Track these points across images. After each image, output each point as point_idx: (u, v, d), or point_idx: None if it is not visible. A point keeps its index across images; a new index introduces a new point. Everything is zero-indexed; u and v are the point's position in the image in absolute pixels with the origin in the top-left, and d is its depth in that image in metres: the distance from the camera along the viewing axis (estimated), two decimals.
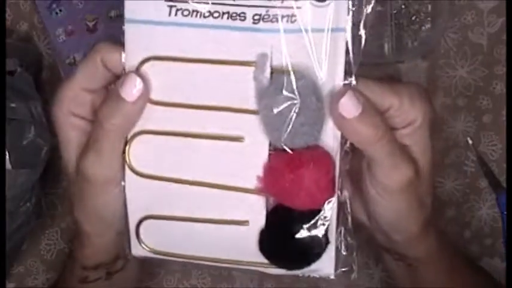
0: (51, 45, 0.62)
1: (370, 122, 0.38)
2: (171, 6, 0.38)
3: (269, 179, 0.40)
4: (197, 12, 0.38)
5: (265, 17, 0.38)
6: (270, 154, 0.40)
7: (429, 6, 0.62)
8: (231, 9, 0.38)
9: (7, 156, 0.52)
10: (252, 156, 0.40)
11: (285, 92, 0.37)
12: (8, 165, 0.52)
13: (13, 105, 0.52)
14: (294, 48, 0.38)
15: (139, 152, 0.41)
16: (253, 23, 0.38)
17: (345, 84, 0.38)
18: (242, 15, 0.38)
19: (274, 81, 0.38)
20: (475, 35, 0.63)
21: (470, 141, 0.64)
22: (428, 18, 0.62)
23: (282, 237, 0.41)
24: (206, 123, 0.40)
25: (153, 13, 0.38)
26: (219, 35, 0.38)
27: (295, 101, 0.37)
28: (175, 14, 0.38)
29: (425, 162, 0.42)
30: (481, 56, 0.63)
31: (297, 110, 0.37)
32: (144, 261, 0.54)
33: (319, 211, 0.40)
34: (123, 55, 0.39)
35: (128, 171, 0.41)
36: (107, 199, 0.42)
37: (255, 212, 0.41)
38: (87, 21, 0.62)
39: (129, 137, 0.40)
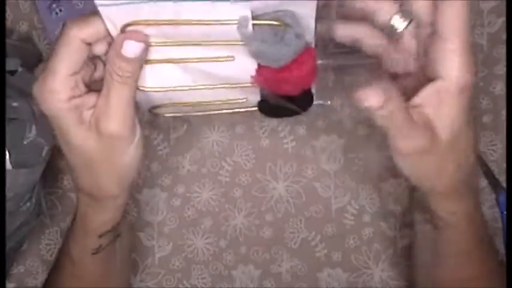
0: (51, 45, 0.62)
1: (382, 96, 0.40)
2: None
3: (260, 78, 0.45)
4: None
5: None
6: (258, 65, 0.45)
7: None
8: None
9: (8, 156, 0.52)
10: (243, 67, 0.45)
11: (269, 35, 0.41)
12: (9, 165, 0.52)
13: (15, 104, 0.52)
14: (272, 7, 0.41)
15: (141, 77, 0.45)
16: None
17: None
18: None
19: (258, 29, 0.41)
20: (475, 35, 0.63)
21: None
22: None
23: (276, 106, 0.48)
24: (198, 52, 0.43)
25: None
26: (198, 6, 0.40)
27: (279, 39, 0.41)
28: None
29: (447, 130, 0.43)
30: (481, 56, 0.63)
31: (282, 50, 0.42)
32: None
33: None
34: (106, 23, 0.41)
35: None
36: (130, 151, 0.45)
37: (251, 93, 0.47)
38: None
39: None
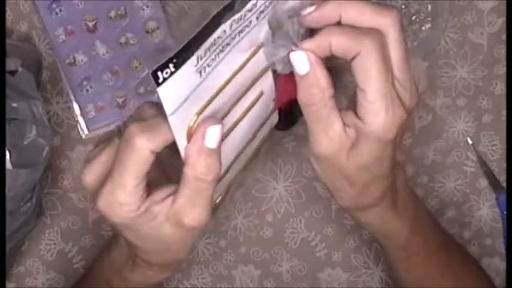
0: (51, 45, 0.62)
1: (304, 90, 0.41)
2: (200, 71, 0.37)
3: (281, 94, 0.46)
4: (219, 51, 0.37)
5: (266, 9, 0.39)
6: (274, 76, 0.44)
7: (429, 6, 0.62)
8: (241, 27, 0.38)
9: (8, 156, 0.52)
10: (267, 96, 0.44)
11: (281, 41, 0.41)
12: (9, 165, 0.52)
13: (15, 105, 0.52)
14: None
15: None
16: (257, 18, 0.39)
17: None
18: (249, 23, 0.38)
19: (275, 38, 0.41)
20: (475, 35, 0.63)
21: (470, 141, 0.64)
22: (428, 18, 0.62)
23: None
24: (238, 110, 0.42)
25: (188, 86, 0.37)
26: (232, 54, 0.39)
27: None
28: (204, 71, 0.37)
29: (352, 162, 0.43)
30: (481, 56, 0.64)
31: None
32: None
33: None
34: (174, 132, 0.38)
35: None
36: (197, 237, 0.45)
37: (272, 118, 0.47)
38: (87, 21, 0.62)
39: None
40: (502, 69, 0.63)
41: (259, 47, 0.41)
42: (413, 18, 0.62)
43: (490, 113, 0.64)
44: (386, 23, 0.40)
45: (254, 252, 0.66)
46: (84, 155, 0.63)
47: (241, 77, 0.41)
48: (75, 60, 0.62)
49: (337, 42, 0.39)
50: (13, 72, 0.54)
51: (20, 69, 0.54)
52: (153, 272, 0.48)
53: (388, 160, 0.43)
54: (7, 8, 0.62)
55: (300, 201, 0.66)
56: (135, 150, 0.38)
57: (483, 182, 0.65)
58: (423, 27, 0.62)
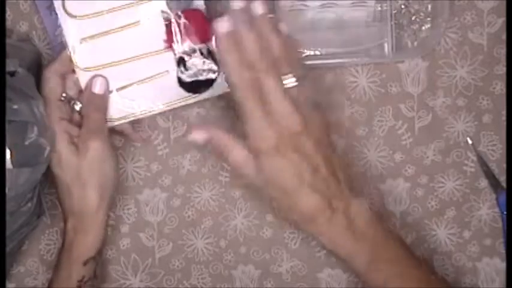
0: (51, 45, 0.62)
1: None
2: None
3: (170, 35, 0.58)
4: None
5: None
6: (165, 24, 0.58)
7: (429, 6, 0.62)
8: None
9: (9, 156, 0.52)
10: (153, 29, 0.58)
11: None
12: (10, 165, 0.52)
13: (15, 106, 0.52)
14: None
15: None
16: None
17: None
18: None
19: None
20: (475, 35, 0.63)
21: (470, 141, 0.64)
22: (428, 18, 0.62)
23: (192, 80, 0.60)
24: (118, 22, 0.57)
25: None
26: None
27: None
28: None
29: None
30: (481, 56, 0.64)
31: None
32: None
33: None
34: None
35: (77, 69, 0.58)
36: (107, 163, 0.58)
37: (170, 63, 0.59)
38: None
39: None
40: (502, 69, 0.63)
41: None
42: (413, 18, 0.62)
43: (490, 113, 0.64)
44: None
45: (254, 252, 0.66)
46: None
47: None
48: None
49: None
50: (12, 73, 0.54)
51: (19, 70, 0.54)
52: (76, 235, 0.58)
53: (293, 171, 0.51)
54: (7, 8, 0.62)
55: None
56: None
57: (483, 182, 0.65)
58: (423, 27, 0.62)
